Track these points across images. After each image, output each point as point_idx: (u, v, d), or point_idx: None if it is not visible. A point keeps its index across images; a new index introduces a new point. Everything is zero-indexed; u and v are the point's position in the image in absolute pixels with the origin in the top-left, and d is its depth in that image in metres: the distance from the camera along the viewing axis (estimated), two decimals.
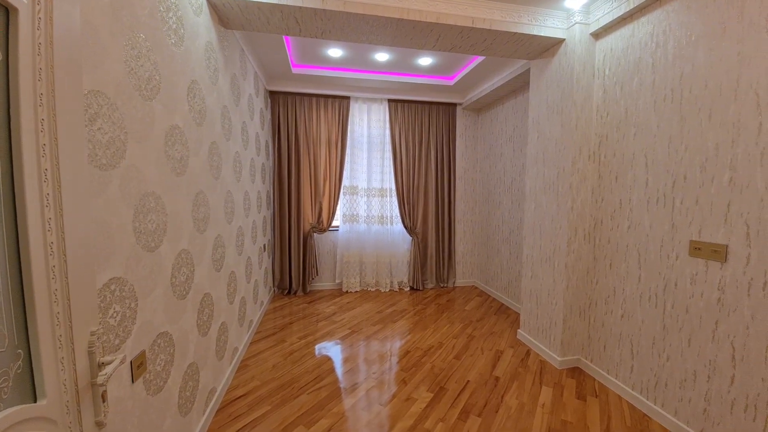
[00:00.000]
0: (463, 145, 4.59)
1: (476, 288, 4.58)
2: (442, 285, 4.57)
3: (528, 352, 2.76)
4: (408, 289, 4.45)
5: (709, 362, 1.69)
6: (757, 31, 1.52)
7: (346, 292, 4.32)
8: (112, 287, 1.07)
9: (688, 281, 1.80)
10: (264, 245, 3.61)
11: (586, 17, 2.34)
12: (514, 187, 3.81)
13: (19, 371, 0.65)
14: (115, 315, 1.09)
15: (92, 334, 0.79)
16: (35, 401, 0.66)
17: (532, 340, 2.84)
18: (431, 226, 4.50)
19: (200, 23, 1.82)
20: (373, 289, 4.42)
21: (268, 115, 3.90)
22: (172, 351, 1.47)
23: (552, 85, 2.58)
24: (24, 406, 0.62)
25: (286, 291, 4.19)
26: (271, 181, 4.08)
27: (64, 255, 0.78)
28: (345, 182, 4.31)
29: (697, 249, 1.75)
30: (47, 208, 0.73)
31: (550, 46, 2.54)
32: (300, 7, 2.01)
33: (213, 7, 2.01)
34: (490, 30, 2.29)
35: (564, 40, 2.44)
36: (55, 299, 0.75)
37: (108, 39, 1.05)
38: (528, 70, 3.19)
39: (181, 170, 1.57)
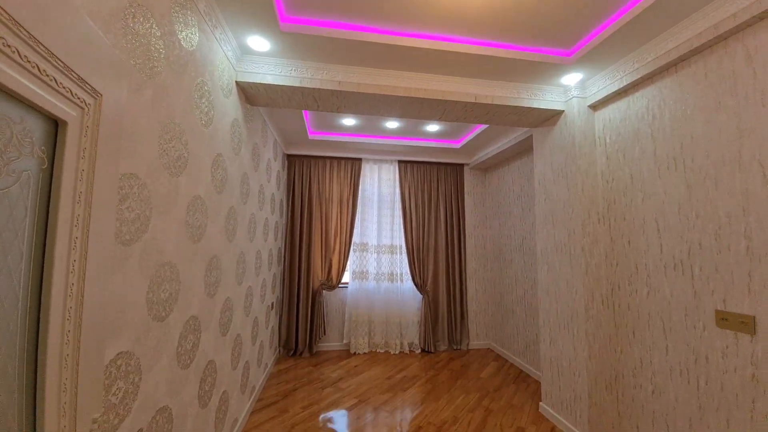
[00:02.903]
0: (472, 203, 4.67)
1: (492, 351, 4.32)
2: (455, 347, 4.33)
3: (552, 430, 2.51)
4: (419, 351, 4.23)
5: None
6: (754, 105, 1.56)
7: (354, 353, 4.13)
8: (119, 362, 1.07)
9: (720, 355, 1.67)
10: (272, 303, 3.57)
11: (582, 92, 2.51)
12: (525, 246, 3.77)
13: None
14: (117, 392, 1.06)
15: (94, 422, 0.77)
16: None
17: (556, 415, 2.59)
18: (442, 284, 4.41)
19: (229, 104, 2.03)
20: (382, 351, 4.21)
21: (284, 176, 4.11)
22: (170, 428, 1.40)
23: (555, 150, 2.68)
24: None
25: (292, 352, 4.03)
26: (284, 237, 4.16)
27: (80, 320, 0.79)
28: (355, 239, 4.36)
29: (723, 320, 1.65)
30: (72, 274, 0.76)
31: (551, 117, 2.70)
32: (319, 89, 2.23)
33: (241, 90, 2.24)
34: (491, 105, 2.47)
35: (563, 111, 2.59)
36: (65, 365, 0.73)
37: (146, 128, 1.18)
38: (532, 135, 3.34)
39: (198, 237, 1.63)
